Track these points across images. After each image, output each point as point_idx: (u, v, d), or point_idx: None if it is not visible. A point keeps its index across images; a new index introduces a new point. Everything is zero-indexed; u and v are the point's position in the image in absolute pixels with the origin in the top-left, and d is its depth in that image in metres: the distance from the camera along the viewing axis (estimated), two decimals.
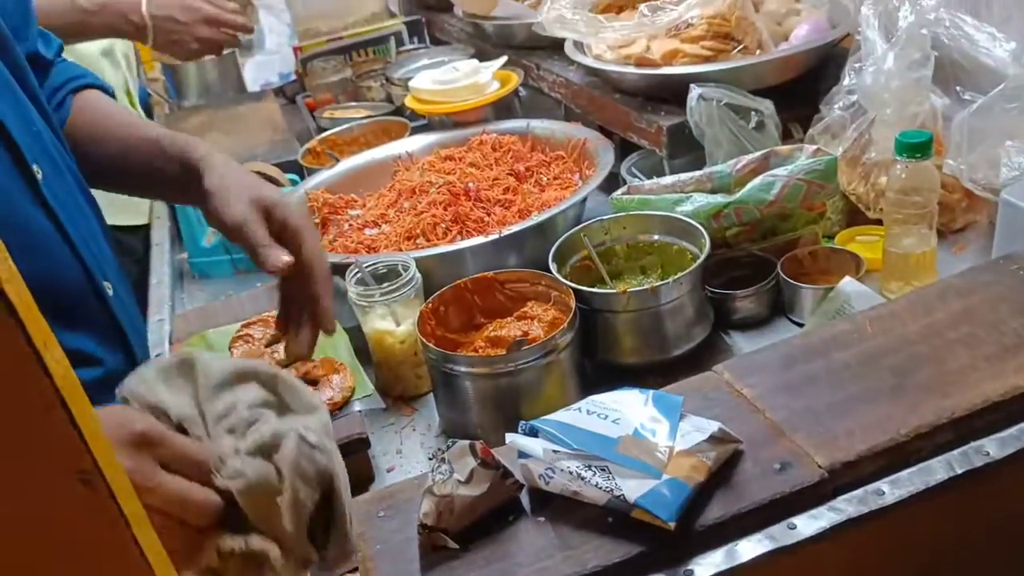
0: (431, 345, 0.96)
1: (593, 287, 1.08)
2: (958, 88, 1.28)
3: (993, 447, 0.76)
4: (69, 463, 0.47)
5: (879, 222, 1.20)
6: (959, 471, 0.75)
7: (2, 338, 0.43)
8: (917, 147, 1.01)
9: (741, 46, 1.23)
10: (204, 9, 1.65)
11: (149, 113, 2.19)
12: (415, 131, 1.59)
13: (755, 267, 1.11)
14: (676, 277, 0.99)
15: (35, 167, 0.89)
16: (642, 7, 1.25)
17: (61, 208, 0.92)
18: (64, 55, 1.12)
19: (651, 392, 0.82)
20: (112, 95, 1.15)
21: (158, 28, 1.59)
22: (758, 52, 1.25)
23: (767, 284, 1.08)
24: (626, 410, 0.79)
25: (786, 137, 1.30)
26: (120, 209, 1.69)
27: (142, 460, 0.61)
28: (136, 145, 0.99)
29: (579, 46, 1.40)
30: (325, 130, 1.72)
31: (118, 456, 0.50)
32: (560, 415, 0.79)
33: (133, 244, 1.73)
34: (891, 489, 0.74)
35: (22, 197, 0.88)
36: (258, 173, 1.50)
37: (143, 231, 1.75)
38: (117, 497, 0.48)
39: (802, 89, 1.32)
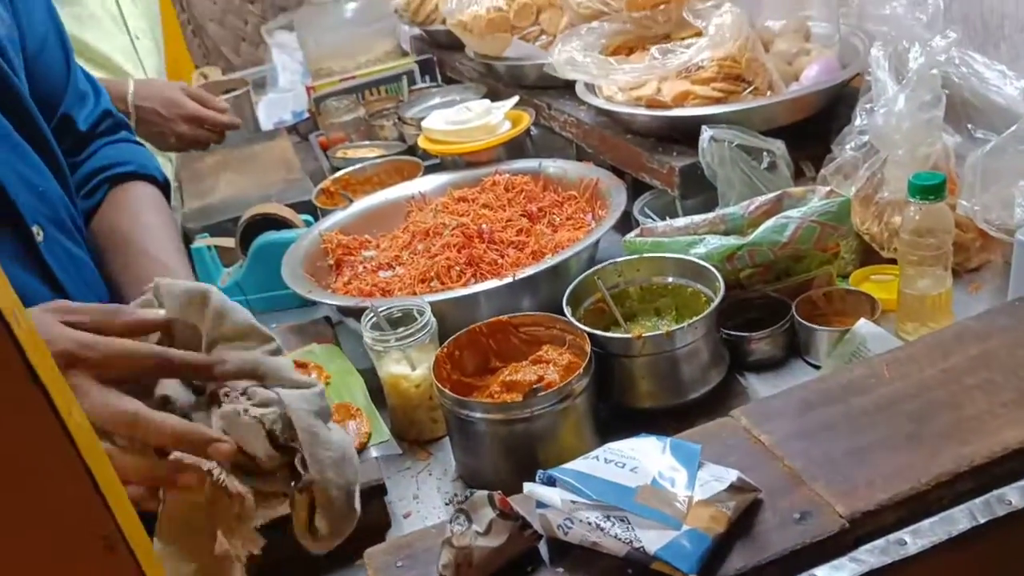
0: (446, 391, 0.97)
1: (608, 329, 1.08)
2: (970, 126, 1.28)
3: (1015, 496, 0.75)
4: (94, 528, 0.47)
5: (893, 261, 1.20)
6: (981, 520, 0.74)
7: (27, 405, 0.43)
8: (930, 189, 1.01)
9: (752, 87, 1.24)
10: (187, 107, 1.69)
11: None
12: (428, 170, 1.60)
13: (770, 308, 1.11)
14: (691, 321, 0.99)
15: (35, 228, 0.89)
16: (653, 49, 1.26)
17: (61, 270, 0.92)
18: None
19: (668, 440, 0.81)
20: (163, 183, 1.10)
21: (141, 119, 1.63)
22: (769, 93, 1.25)
23: (782, 326, 1.08)
24: (644, 458, 0.78)
25: (798, 176, 1.31)
26: None
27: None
28: (137, 276, 0.93)
29: (590, 87, 1.41)
30: (338, 169, 1.74)
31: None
32: (578, 464, 0.79)
33: None
34: (913, 539, 0.73)
35: (18, 260, 0.87)
36: (272, 215, 1.52)
37: None
38: (140, 561, 0.49)
39: (813, 128, 1.32)
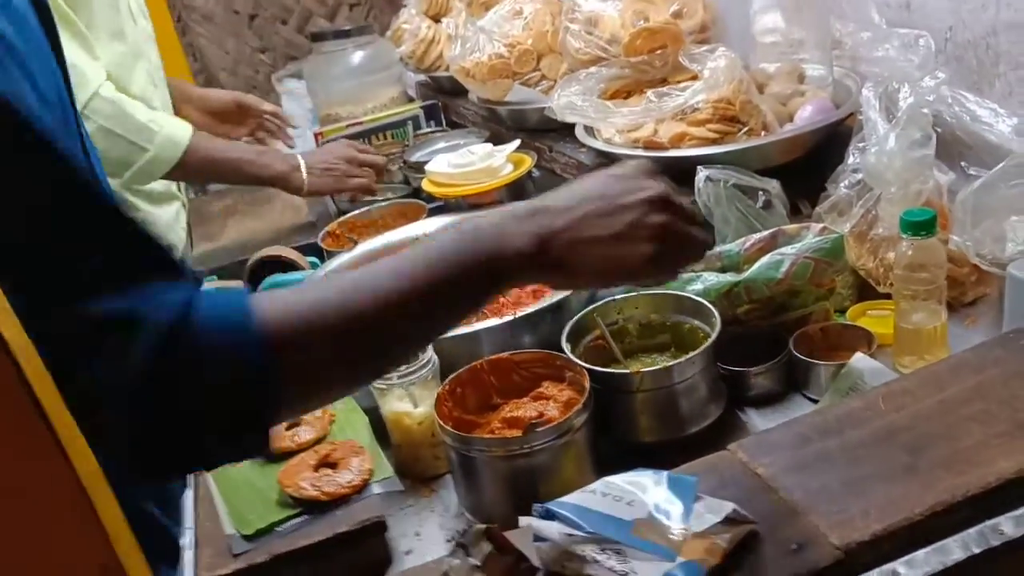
0: (448, 428, 0.98)
1: (607, 366, 1.09)
2: (963, 163, 1.31)
3: (1009, 526, 0.76)
4: (92, 557, 0.49)
5: (890, 296, 1.21)
6: (976, 551, 0.75)
7: (34, 440, 0.45)
8: (921, 225, 1.03)
9: (747, 128, 1.27)
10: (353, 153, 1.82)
11: None
12: (432, 213, 1.63)
13: (769, 343, 1.12)
14: (689, 356, 1.01)
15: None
16: (649, 93, 1.29)
17: None
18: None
19: (666, 473, 0.82)
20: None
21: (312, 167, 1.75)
22: (763, 133, 1.28)
23: (780, 360, 1.09)
24: (641, 492, 0.79)
25: (795, 213, 1.33)
26: None
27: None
28: None
29: (589, 130, 1.44)
30: (343, 212, 1.77)
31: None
32: (575, 497, 0.80)
33: None
34: (907, 570, 0.74)
35: None
36: (278, 257, 1.55)
37: None
38: None
39: (808, 166, 1.35)
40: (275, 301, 0.66)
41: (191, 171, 1.63)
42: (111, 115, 1.49)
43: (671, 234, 0.76)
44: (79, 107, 1.38)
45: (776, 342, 1.12)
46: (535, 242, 0.72)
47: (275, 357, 0.62)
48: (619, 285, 1.05)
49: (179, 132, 1.59)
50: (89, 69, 1.48)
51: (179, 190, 1.89)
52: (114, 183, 1.56)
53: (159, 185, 1.82)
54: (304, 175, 1.73)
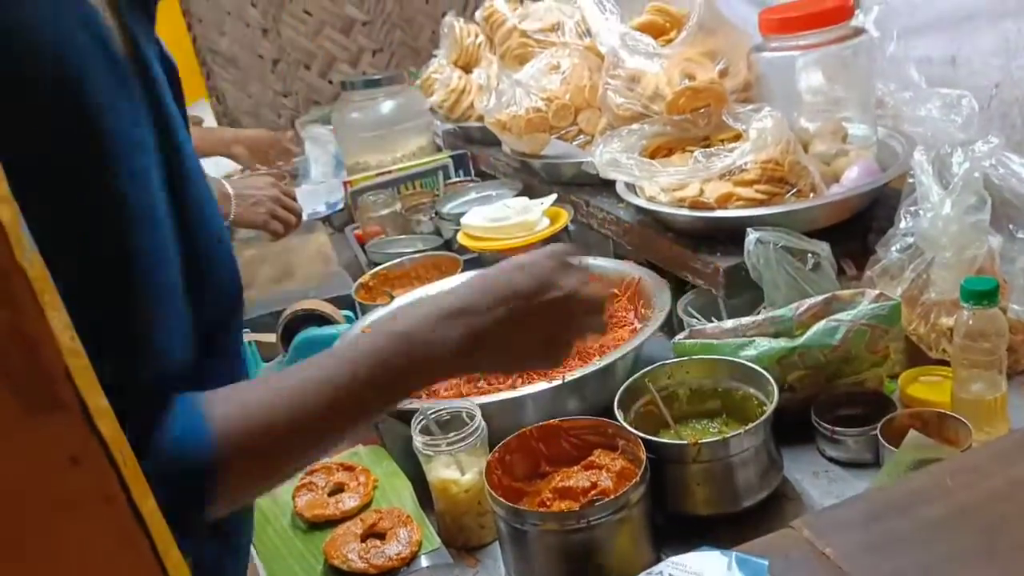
0: (500, 499, 0.95)
1: (657, 433, 1.07)
2: (1011, 227, 1.29)
3: None
4: None
5: (941, 362, 1.19)
6: None
7: (131, 544, 0.43)
8: (984, 295, 1.01)
9: (795, 189, 1.26)
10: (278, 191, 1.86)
11: None
12: (466, 266, 1.62)
13: (865, 405, 1.12)
14: (748, 428, 0.98)
15: None
16: (696, 153, 1.28)
17: None
18: None
19: (733, 554, 0.79)
20: None
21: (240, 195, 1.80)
22: (812, 195, 1.27)
23: (871, 430, 1.05)
24: (710, 574, 0.77)
25: (839, 274, 1.31)
26: None
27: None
28: None
29: (631, 187, 1.43)
30: (375, 263, 1.76)
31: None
32: None
33: None
34: None
35: None
36: (314, 310, 1.53)
37: None
38: None
39: (851, 227, 1.33)
40: (230, 421, 0.67)
41: None
42: None
43: (584, 331, 0.89)
44: None
45: (873, 404, 1.11)
46: (465, 345, 0.78)
47: (222, 485, 0.65)
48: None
49: None
50: None
51: None
52: None
53: None
54: (233, 205, 1.76)
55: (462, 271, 1.59)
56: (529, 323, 0.82)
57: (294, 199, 1.89)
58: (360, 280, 1.66)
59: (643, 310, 1.32)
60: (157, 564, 0.43)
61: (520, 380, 1.18)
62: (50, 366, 0.39)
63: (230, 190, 1.80)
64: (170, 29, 2.89)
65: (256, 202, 1.82)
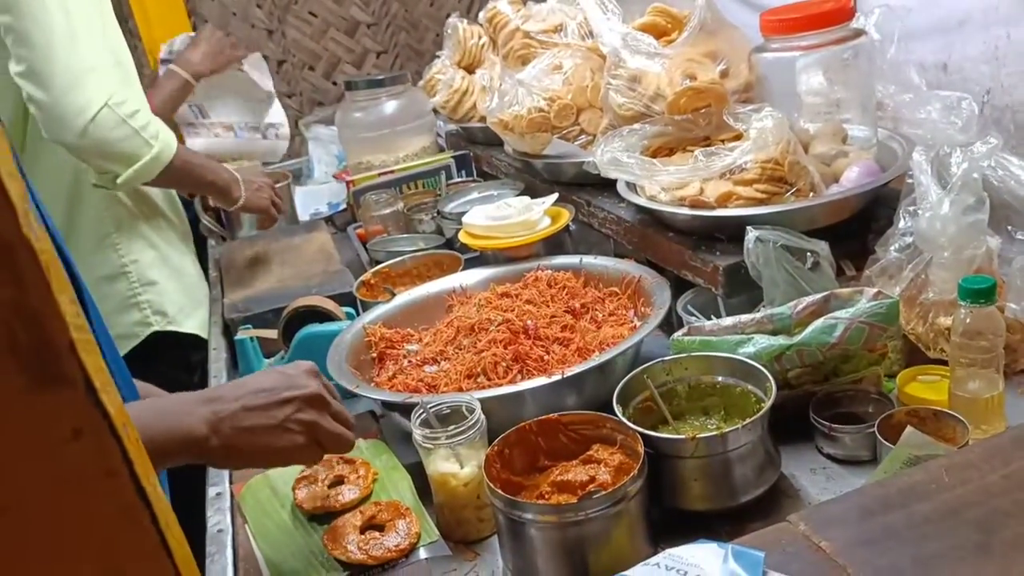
0: (499, 491, 0.96)
1: (655, 428, 1.07)
2: (1010, 228, 1.30)
3: None
4: None
5: (939, 361, 1.19)
6: None
7: (132, 516, 0.44)
8: (981, 293, 1.01)
9: (795, 189, 1.26)
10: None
11: (201, 245, 2.26)
12: (467, 264, 1.62)
13: (861, 404, 1.12)
14: (746, 423, 0.99)
15: None
16: (697, 152, 1.29)
17: None
18: None
19: (730, 547, 0.80)
20: None
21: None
22: (811, 195, 1.27)
23: (869, 427, 1.06)
24: (707, 566, 0.77)
25: (838, 274, 1.31)
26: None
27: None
28: None
29: (631, 186, 1.44)
30: (376, 261, 1.77)
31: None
32: (638, 571, 0.78)
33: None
34: None
35: None
36: (315, 307, 1.54)
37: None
38: None
39: (850, 227, 1.34)
40: None
41: (169, 176, 1.71)
42: (130, 111, 1.57)
43: (320, 430, 0.94)
44: (108, 91, 1.52)
45: (869, 403, 1.12)
46: (206, 427, 0.88)
47: None
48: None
49: (171, 137, 1.70)
50: (112, 62, 1.58)
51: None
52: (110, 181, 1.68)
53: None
54: (243, 189, 1.90)
55: (463, 269, 1.60)
56: (275, 416, 0.92)
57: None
58: (361, 278, 1.67)
59: (643, 308, 1.33)
60: (158, 538, 0.43)
61: (520, 376, 1.19)
62: (55, 341, 0.40)
63: (239, 176, 1.88)
64: (176, 29, 2.91)
65: (259, 187, 1.93)
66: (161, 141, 1.64)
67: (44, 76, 1.49)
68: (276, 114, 2.49)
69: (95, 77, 1.52)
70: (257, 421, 0.91)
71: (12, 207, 0.36)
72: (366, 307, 1.54)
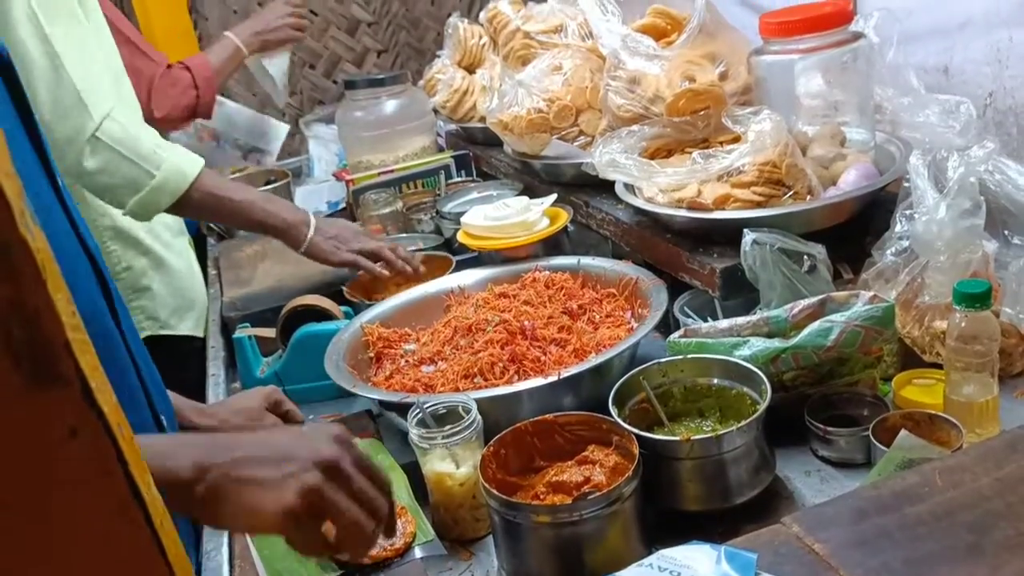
0: (494, 491, 0.96)
1: (651, 430, 1.08)
2: (1006, 232, 1.30)
3: None
4: None
5: (935, 365, 1.20)
6: None
7: (127, 517, 0.44)
8: (976, 297, 1.02)
9: (792, 192, 1.27)
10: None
11: (200, 243, 2.26)
12: (462, 264, 1.63)
13: (856, 406, 1.13)
14: (740, 425, 0.99)
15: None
16: (695, 154, 1.29)
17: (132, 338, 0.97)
18: None
19: (723, 548, 0.80)
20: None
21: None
22: (808, 197, 1.28)
23: (864, 430, 1.06)
24: (699, 567, 0.78)
25: (836, 277, 1.32)
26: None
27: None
28: None
29: (630, 187, 1.44)
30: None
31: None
32: (631, 572, 0.78)
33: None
34: None
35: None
36: (313, 306, 1.54)
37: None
38: None
39: (848, 230, 1.34)
40: None
41: (195, 207, 1.57)
42: (121, 138, 1.47)
43: (326, 503, 0.75)
44: (96, 120, 1.42)
45: (863, 406, 1.12)
46: (193, 470, 0.73)
47: None
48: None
49: (188, 164, 1.55)
50: (103, 88, 1.48)
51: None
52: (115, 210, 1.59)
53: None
54: (310, 232, 1.64)
55: (453, 270, 1.60)
56: (271, 473, 0.75)
57: None
58: (358, 276, 1.67)
59: (640, 310, 1.33)
60: (153, 537, 0.44)
61: (516, 376, 1.19)
62: (51, 339, 0.40)
63: (311, 219, 1.70)
64: (177, 27, 2.91)
65: (333, 236, 1.70)
66: (167, 170, 1.51)
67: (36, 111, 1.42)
68: (271, 142, 2.47)
69: (81, 109, 1.43)
70: (249, 472, 0.74)
71: (8, 206, 0.37)
72: (363, 307, 1.54)
